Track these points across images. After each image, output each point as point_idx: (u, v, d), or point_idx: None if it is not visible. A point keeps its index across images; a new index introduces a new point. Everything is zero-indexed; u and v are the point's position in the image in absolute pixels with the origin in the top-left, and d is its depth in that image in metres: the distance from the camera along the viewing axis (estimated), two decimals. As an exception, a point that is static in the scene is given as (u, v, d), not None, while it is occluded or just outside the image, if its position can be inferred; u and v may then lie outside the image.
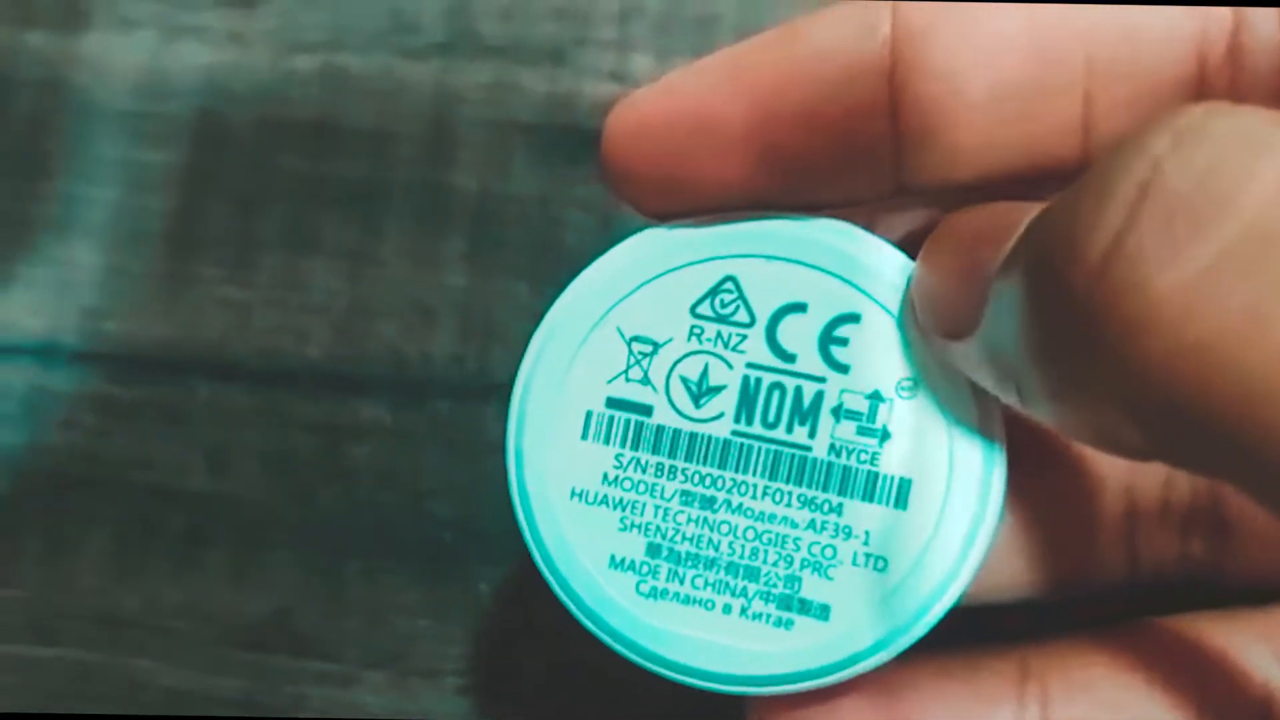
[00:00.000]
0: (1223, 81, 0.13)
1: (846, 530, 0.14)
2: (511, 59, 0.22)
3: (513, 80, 0.22)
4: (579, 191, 0.22)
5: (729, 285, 0.14)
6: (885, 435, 0.14)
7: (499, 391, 0.15)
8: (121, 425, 0.22)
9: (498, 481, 0.21)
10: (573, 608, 0.14)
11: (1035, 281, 0.11)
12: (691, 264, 0.14)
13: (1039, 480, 0.15)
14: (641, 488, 0.14)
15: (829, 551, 0.14)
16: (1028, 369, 0.11)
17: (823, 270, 0.14)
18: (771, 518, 0.14)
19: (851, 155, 0.13)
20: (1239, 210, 0.09)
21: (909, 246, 0.14)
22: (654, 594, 0.14)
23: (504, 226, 0.22)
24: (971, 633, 0.16)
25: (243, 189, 0.22)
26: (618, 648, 0.14)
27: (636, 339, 0.14)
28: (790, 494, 0.14)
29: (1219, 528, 0.16)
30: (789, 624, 0.14)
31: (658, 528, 0.14)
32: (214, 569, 0.21)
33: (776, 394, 0.14)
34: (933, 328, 0.13)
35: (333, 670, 0.21)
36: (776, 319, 0.14)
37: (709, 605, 0.14)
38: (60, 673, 0.21)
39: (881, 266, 0.14)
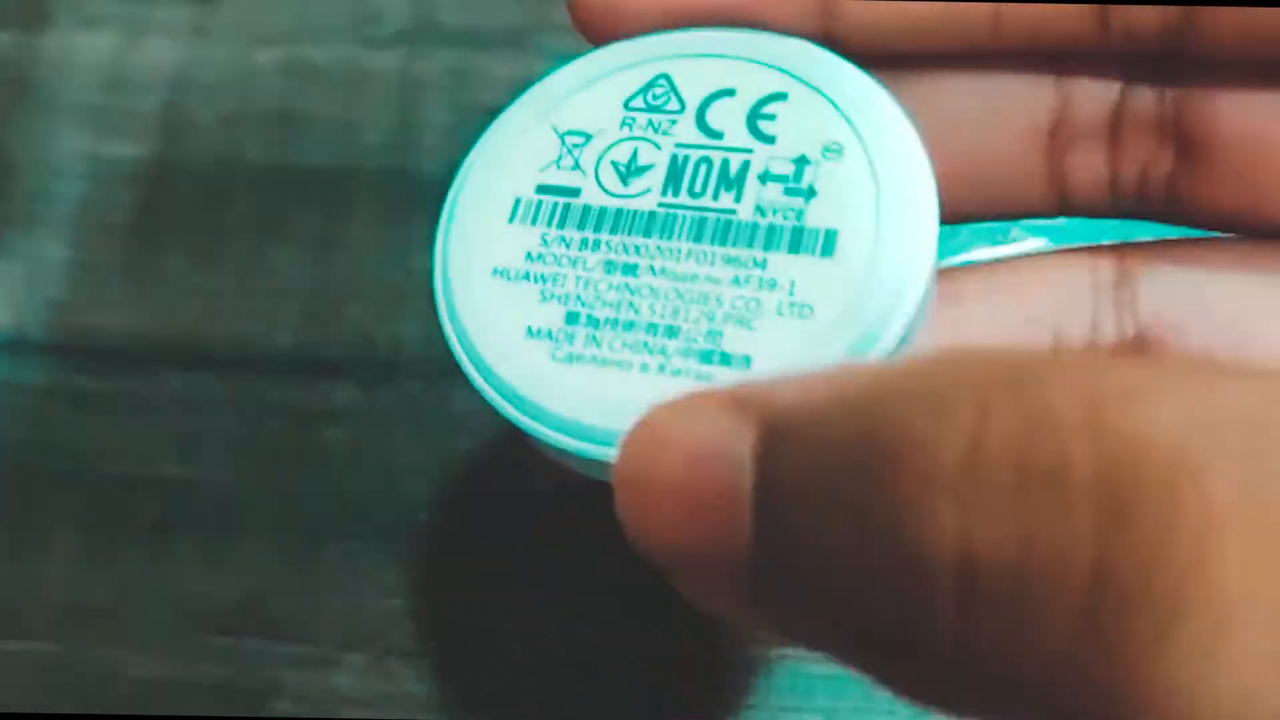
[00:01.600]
0: None
1: (771, 283, 0.13)
2: (473, 45, 0.22)
3: (475, 65, 0.22)
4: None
5: (661, 81, 0.14)
6: (811, 193, 0.13)
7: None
8: (92, 416, 0.22)
9: (471, 461, 0.22)
10: (479, 380, 0.14)
11: None
12: (628, 67, 0.14)
13: (943, 107, 0.15)
14: (564, 262, 0.14)
15: (752, 304, 0.13)
16: None
17: (755, 61, 0.14)
18: (694, 278, 0.13)
19: None
20: None
21: None
22: (569, 359, 0.13)
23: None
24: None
25: (209, 180, 0.22)
26: (527, 423, 0.13)
27: (570, 133, 0.14)
28: (714, 254, 0.13)
29: (1185, 149, 0.15)
30: (709, 378, 0.13)
31: (578, 297, 0.14)
32: (186, 556, 0.21)
33: (704, 167, 0.14)
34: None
35: (309, 653, 0.21)
36: (706, 104, 0.14)
37: (626, 366, 0.13)
38: (30, 667, 0.21)
39: (812, 56, 0.14)
